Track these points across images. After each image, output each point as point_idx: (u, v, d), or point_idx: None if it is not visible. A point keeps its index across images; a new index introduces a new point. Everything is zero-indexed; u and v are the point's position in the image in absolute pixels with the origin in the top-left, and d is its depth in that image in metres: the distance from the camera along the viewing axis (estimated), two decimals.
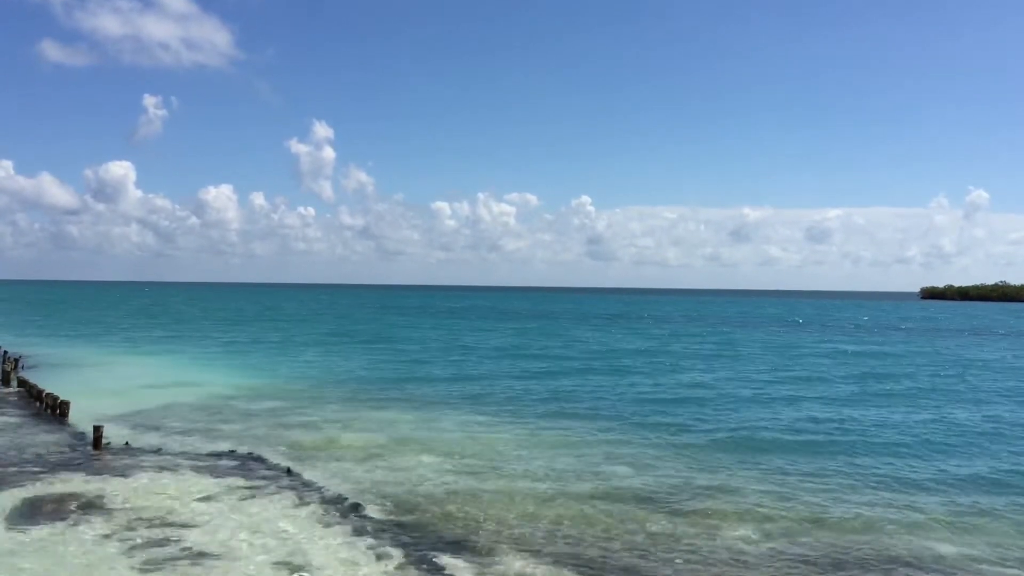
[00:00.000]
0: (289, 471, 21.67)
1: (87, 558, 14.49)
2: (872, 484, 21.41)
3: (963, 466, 23.84)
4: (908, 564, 15.30)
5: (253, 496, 18.95)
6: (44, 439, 25.42)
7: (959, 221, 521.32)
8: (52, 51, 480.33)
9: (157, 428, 28.01)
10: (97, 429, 24.84)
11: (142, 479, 20.37)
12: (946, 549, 16.17)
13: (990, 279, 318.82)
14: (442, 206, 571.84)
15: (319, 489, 19.84)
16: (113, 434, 25.75)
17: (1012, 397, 39.69)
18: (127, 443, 24.98)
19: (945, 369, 53.35)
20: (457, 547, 15.73)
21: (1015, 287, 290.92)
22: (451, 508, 18.41)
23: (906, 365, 55.68)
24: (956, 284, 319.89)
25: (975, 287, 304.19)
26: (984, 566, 15.31)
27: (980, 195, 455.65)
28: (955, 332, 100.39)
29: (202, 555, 14.75)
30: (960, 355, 64.90)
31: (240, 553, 14.92)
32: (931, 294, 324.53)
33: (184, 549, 15.05)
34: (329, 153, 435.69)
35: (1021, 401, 38.37)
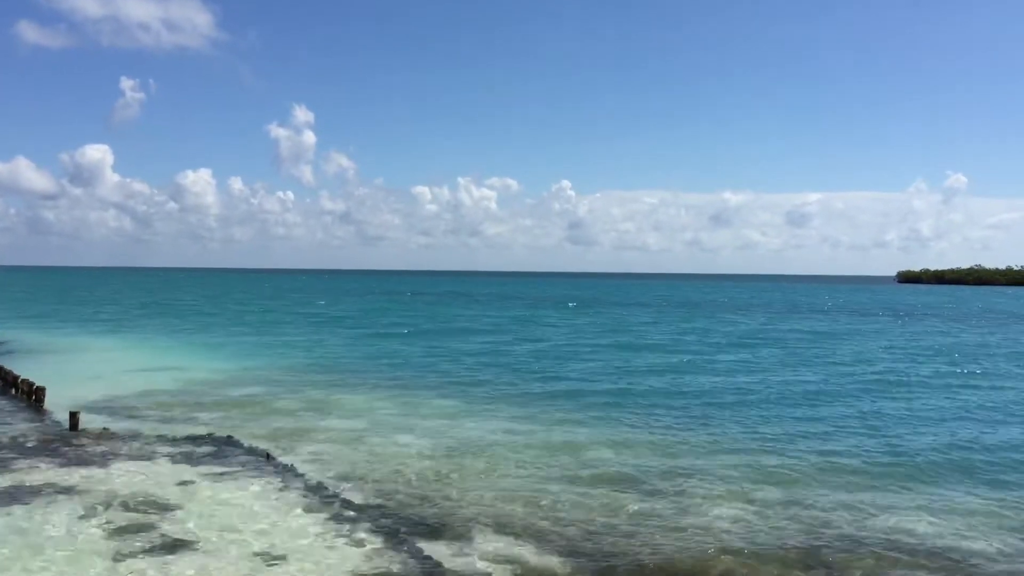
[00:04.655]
0: (268, 456, 21.61)
1: (63, 545, 14.38)
2: (854, 465, 21.66)
3: (945, 445, 24.21)
4: (885, 542, 15.51)
5: (231, 482, 18.88)
6: (19, 426, 25.17)
7: (937, 205, 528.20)
8: (29, 32, 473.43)
9: (135, 414, 27.81)
10: (74, 415, 24.64)
11: (119, 465, 20.22)
12: (923, 528, 16.41)
13: (965, 263, 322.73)
14: (423, 191, 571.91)
15: (298, 474, 19.79)
16: (90, 420, 25.54)
17: None
18: (104, 429, 24.78)
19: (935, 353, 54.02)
20: (436, 530, 15.78)
21: (990, 271, 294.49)
22: (430, 492, 18.47)
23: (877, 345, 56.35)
24: (932, 268, 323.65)
25: (951, 271, 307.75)
26: (961, 542, 15.56)
27: (958, 179, 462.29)
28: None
29: (180, 541, 14.70)
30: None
31: (217, 539, 14.87)
32: (907, 278, 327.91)
33: (162, 535, 14.98)
34: (309, 137, 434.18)
35: None
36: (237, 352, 48.60)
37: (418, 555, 14.38)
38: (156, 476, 19.22)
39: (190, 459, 21.10)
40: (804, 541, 15.56)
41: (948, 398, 33.73)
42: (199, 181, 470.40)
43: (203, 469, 19.99)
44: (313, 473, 19.91)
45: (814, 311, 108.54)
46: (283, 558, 14.02)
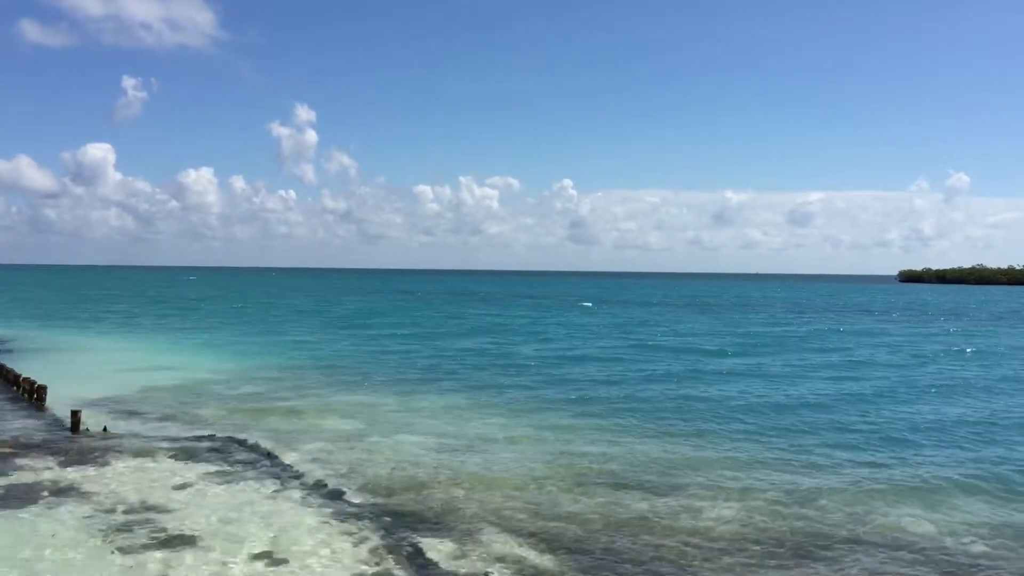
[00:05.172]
0: (269, 455, 21.60)
1: (64, 544, 14.38)
2: (851, 467, 21.63)
3: (943, 450, 24.16)
4: (884, 544, 15.49)
5: (232, 481, 18.88)
6: (20, 424, 25.17)
7: (939, 204, 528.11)
8: (31, 31, 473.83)
9: (135, 413, 27.81)
10: (75, 414, 24.63)
11: (120, 464, 20.23)
12: (925, 529, 16.38)
13: (967, 262, 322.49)
14: (424, 189, 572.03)
15: (299, 473, 19.79)
16: (91, 419, 25.52)
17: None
18: (105, 428, 24.77)
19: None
20: (437, 529, 15.77)
21: (991, 270, 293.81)
22: (431, 490, 18.44)
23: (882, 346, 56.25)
24: (934, 267, 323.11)
25: (952, 270, 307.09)
26: (959, 543, 15.54)
27: (960, 178, 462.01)
28: None
29: (181, 540, 14.69)
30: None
31: (219, 538, 14.87)
32: (909, 277, 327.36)
33: (163, 534, 14.97)
34: (311, 136, 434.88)
35: None
36: (239, 351, 48.60)
37: (419, 554, 14.36)
38: (157, 475, 19.21)
39: (191, 458, 21.09)
40: (806, 542, 15.53)
41: (958, 400, 33.68)
42: (201, 180, 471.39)
43: (204, 468, 19.98)
44: (314, 472, 19.90)
45: (825, 310, 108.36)
46: (284, 557, 14.01)
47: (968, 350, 54.59)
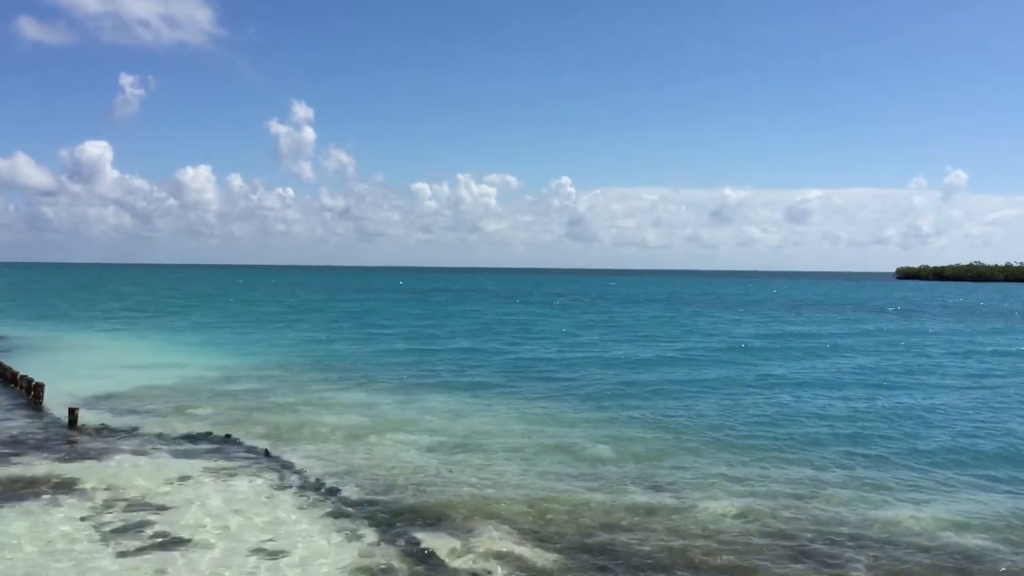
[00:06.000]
0: (267, 453, 21.54)
1: (62, 542, 14.33)
2: (852, 465, 21.59)
3: (953, 444, 24.13)
4: (884, 540, 15.45)
5: (230, 478, 18.82)
6: (18, 422, 25.09)
7: (937, 201, 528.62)
8: (29, 28, 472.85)
9: (133, 410, 27.73)
10: (72, 411, 24.58)
11: (118, 462, 20.17)
12: (925, 525, 16.33)
13: (965, 259, 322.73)
14: (422, 187, 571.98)
15: (297, 471, 19.73)
16: (89, 416, 25.47)
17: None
18: (103, 425, 24.71)
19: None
20: (435, 525, 15.74)
21: (989, 267, 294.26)
22: (429, 487, 18.40)
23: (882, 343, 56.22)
24: (931, 265, 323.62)
25: (950, 267, 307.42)
26: (963, 539, 15.50)
27: (958, 176, 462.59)
28: None
29: (178, 538, 14.64)
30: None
31: (216, 536, 14.82)
32: (907, 274, 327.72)
33: (160, 532, 14.93)
34: (309, 134, 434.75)
35: None
36: (237, 349, 48.51)
37: (416, 551, 14.32)
38: (155, 472, 19.15)
39: (189, 455, 21.04)
40: (805, 539, 15.50)
41: (962, 396, 33.64)
42: (199, 177, 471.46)
43: (202, 465, 19.92)
44: (312, 469, 19.85)
45: (837, 307, 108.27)
46: (282, 554, 13.97)
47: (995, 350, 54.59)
